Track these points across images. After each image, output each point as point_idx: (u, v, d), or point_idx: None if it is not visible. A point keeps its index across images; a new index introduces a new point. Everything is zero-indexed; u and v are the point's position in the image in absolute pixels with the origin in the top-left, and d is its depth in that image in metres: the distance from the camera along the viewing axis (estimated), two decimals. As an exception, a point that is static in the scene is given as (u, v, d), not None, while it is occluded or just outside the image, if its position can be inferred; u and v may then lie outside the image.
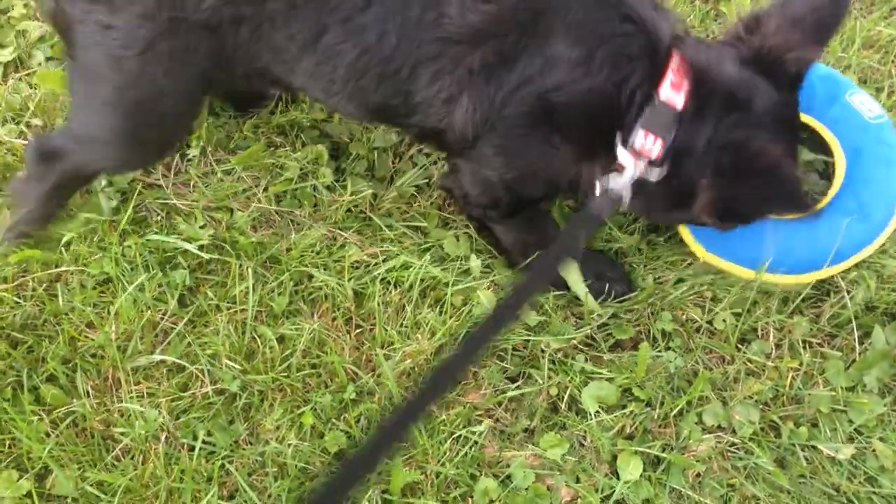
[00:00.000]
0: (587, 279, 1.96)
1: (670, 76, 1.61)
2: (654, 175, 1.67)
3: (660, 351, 1.92)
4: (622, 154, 1.64)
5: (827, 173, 2.11)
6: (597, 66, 1.60)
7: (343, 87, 1.71)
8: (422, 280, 1.95)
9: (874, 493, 1.77)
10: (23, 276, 1.91)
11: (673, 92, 1.60)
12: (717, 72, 1.64)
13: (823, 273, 1.92)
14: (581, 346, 1.92)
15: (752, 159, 1.61)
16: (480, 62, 1.61)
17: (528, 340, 1.91)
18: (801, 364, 1.89)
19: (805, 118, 2.05)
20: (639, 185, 1.66)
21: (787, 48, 1.65)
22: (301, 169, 2.13)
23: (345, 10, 1.59)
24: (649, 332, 1.96)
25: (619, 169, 1.65)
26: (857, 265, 1.95)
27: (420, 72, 1.65)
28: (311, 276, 1.96)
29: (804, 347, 1.92)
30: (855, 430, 1.82)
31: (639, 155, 1.63)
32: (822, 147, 2.08)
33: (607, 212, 1.66)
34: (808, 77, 1.93)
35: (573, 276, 1.95)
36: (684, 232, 2.05)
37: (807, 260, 1.92)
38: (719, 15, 2.51)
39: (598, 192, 1.67)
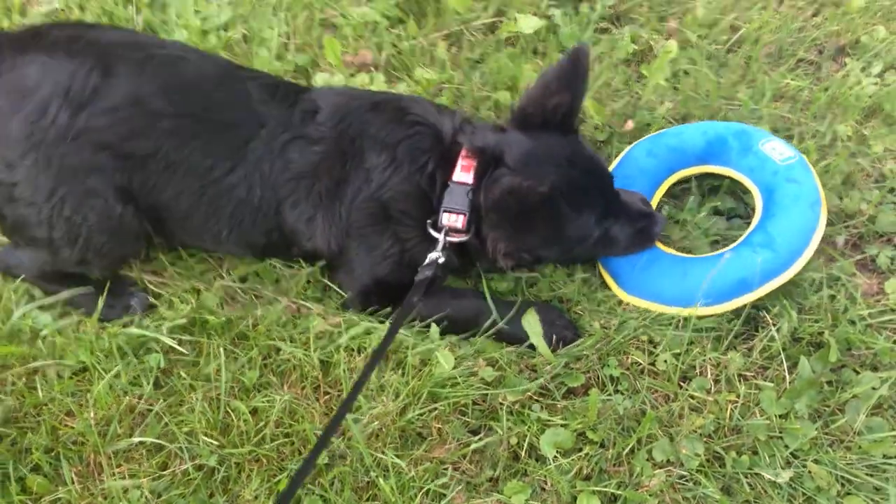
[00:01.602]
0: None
1: (461, 161, 2.05)
2: (467, 238, 2.07)
3: (609, 395, 2.06)
4: (433, 233, 2.06)
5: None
6: (400, 162, 2.07)
7: (228, 235, 2.12)
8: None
9: (813, 512, 1.92)
10: (2, 372, 1.99)
11: (464, 174, 2.04)
12: (485, 144, 2.04)
13: (738, 302, 2.11)
14: (536, 397, 2.06)
15: (499, 197, 1.95)
16: (325, 187, 2.07)
17: (487, 395, 2.04)
18: (738, 396, 2.04)
19: (726, 171, 2.29)
20: (462, 246, 2.09)
21: (533, 105, 2.07)
22: (261, 248, 2.26)
23: (216, 173, 2.02)
24: (598, 377, 2.10)
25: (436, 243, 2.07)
26: (778, 294, 2.15)
27: (284, 206, 2.09)
28: (278, 350, 2.08)
29: (740, 381, 2.08)
30: (791, 454, 1.98)
31: (448, 231, 2.05)
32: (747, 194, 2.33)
33: (430, 273, 2.03)
34: (722, 136, 2.29)
35: (533, 327, 2.10)
36: (608, 278, 2.24)
37: (721, 292, 2.10)
38: (641, 77, 2.71)
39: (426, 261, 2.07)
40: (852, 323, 2.17)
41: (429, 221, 2.07)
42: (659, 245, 2.23)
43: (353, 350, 2.09)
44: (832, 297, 2.21)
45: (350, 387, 2.01)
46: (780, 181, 2.20)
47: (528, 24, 2.76)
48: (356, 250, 2.12)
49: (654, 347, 2.12)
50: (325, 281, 2.23)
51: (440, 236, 2.05)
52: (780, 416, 2.01)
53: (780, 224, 2.13)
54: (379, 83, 2.64)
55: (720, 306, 2.11)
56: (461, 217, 2.03)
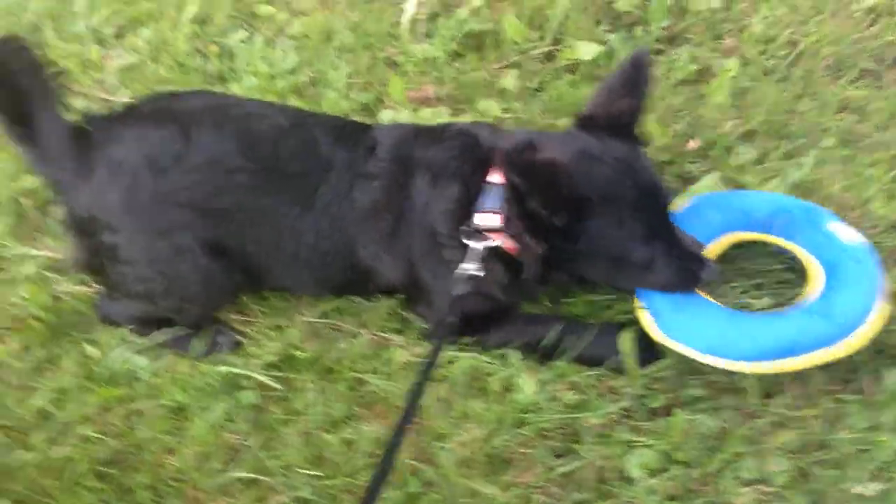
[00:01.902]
0: (618, 352, 2.15)
1: (495, 169, 2.02)
2: (504, 238, 2.02)
3: (692, 414, 2.08)
4: (466, 241, 2.04)
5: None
6: (437, 178, 2.10)
7: (308, 278, 2.23)
8: (466, 373, 2.13)
9: (906, 524, 1.92)
10: (103, 415, 2.10)
11: (499, 176, 2.00)
12: (522, 139, 2.02)
13: (782, 365, 2.01)
14: (619, 419, 2.09)
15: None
16: (385, 224, 2.13)
17: (571, 419, 2.08)
18: (822, 411, 2.05)
19: (787, 244, 2.24)
20: (498, 255, 2.05)
21: (599, 110, 2.05)
22: (340, 283, 2.34)
23: (289, 221, 2.12)
24: (679, 397, 2.12)
25: (473, 252, 2.03)
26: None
27: (356, 247, 2.16)
28: (363, 382, 2.15)
29: (824, 395, 2.09)
30: (878, 467, 1.98)
31: (482, 233, 2.02)
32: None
33: (463, 289, 2.00)
34: (789, 209, 2.24)
35: (628, 347, 2.13)
36: (642, 315, 2.15)
37: (766, 350, 2.02)
38: (701, 96, 2.74)
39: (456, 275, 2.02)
40: (935, 332, 2.17)
41: (462, 228, 2.04)
42: (700, 293, 2.16)
43: (436, 379, 2.14)
44: (913, 307, 2.21)
45: (435, 415, 2.07)
46: (845, 259, 2.12)
47: (586, 50, 2.81)
48: (427, 282, 2.16)
49: (735, 365, 2.14)
50: (404, 313, 2.29)
51: (474, 244, 2.02)
52: (866, 430, 2.02)
53: (842, 297, 2.05)
54: (443, 117, 2.71)
55: (761, 365, 2.02)
56: (499, 216, 1.99)
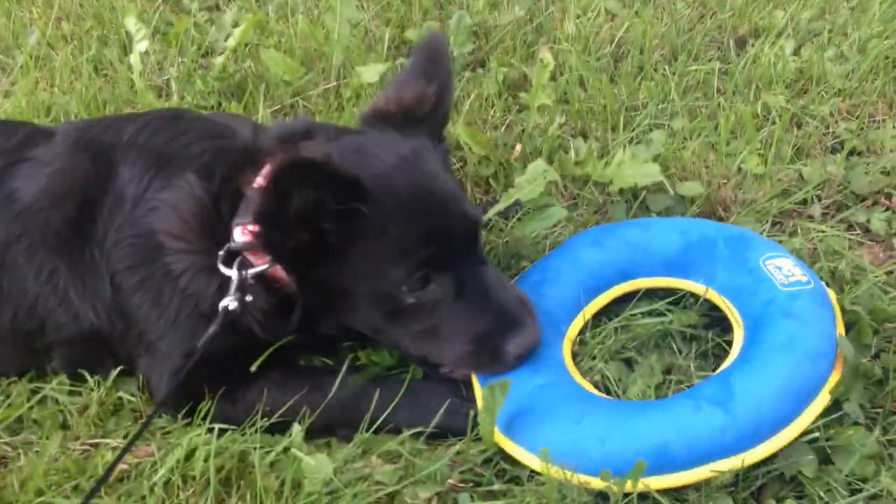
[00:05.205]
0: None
1: (266, 169, 1.42)
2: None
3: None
4: (225, 270, 1.40)
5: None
6: (162, 167, 1.50)
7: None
8: (220, 468, 1.37)
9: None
10: None
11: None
12: (297, 129, 1.52)
13: (653, 482, 1.28)
14: (461, 485, 1.36)
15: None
16: (63, 220, 1.51)
17: (392, 496, 1.35)
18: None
19: (702, 289, 1.57)
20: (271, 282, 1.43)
21: (388, 104, 1.54)
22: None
23: None
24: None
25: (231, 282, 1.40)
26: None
27: (14, 257, 1.52)
28: (62, 508, 1.35)
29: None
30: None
31: (241, 254, 1.41)
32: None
33: (215, 328, 1.37)
34: (711, 239, 1.59)
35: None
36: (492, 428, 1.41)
37: (626, 459, 1.26)
38: (523, 108, 2.24)
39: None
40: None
41: (220, 253, 1.41)
42: (571, 370, 1.47)
43: (177, 485, 1.37)
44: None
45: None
46: (773, 314, 1.43)
47: (370, 72, 2.28)
48: (141, 311, 1.46)
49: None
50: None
51: (233, 272, 1.39)
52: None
53: (753, 378, 1.34)
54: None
55: (619, 480, 1.27)
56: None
